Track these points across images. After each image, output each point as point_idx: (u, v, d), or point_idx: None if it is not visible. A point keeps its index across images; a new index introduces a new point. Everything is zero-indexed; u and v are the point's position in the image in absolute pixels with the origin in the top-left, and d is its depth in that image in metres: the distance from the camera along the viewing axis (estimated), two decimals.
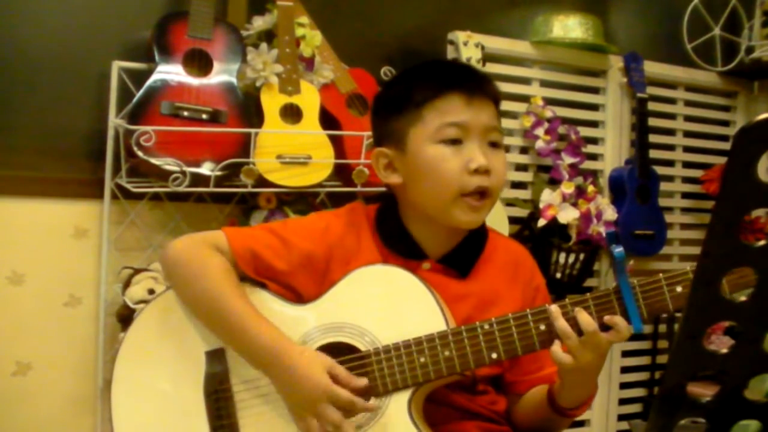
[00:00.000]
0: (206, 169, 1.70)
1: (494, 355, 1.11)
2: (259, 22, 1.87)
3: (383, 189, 1.87)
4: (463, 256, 1.26)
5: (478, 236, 1.28)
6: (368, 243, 1.24)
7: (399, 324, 1.13)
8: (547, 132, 2.20)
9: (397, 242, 1.24)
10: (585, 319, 1.08)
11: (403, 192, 1.25)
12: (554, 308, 1.10)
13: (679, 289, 1.07)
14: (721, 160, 2.56)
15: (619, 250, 1.09)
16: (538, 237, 2.10)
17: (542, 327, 1.10)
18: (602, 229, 2.14)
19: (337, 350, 1.15)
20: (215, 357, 1.17)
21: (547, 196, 2.09)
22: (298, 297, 1.21)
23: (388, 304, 1.15)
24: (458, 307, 1.19)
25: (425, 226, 1.24)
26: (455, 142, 1.19)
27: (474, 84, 1.23)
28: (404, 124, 1.23)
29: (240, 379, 1.16)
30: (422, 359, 1.11)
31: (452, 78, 1.23)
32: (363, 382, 1.10)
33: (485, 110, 1.21)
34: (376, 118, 1.31)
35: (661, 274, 1.09)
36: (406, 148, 1.22)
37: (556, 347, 1.09)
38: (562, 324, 1.09)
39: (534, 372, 1.25)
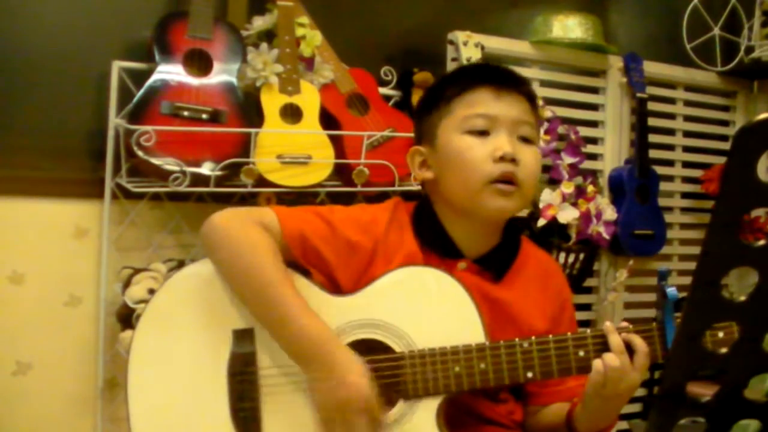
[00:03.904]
0: (206, 169, 1.69)
1: (530, 375, 1.11)
2: (259, 22, 1.87)
3: (382, 189, 1.89)
4: (498, 258, 1.26)
5: (514, 241, 1.29)
6: (409, 240, 1.23)
7: (437, 330, 1.12)
8: (546, 132, 2.20)
9: (434, 240, 1.24)
10: (639, 341, 1.09)
11: (435, 187, 1.26)
12: (609, 324, 1.11)
13: (720, 334, 1.06)
14: (721, 160, 2.55)
15: (671, 289, 1.09)
16: (538, 237, 2.09)
17: (581, 353, 1.10)
18: (602, 229, 2.14)
19: (371, 347, 1.13)
20: (244, 337, 1.13)
21: (547, 195, 2.09)
22: (337, 288, 1.19)
23: (429, 309, 1.14)
24: (489, 309, 1.18)
25: (461, 225, 1.24)
26: (483, 133, 1.20)
27: (503, 79, 1.24)
28: (436, 119, 1.25)
29: (268, 363, 1.13)
30: (457, 369, 1.10)
31: (482, 74, 1.25)
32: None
33: (515, 105, 1.22)
34: (415, 119, 1.34)
35: None
36: (436, 142, 1.24)
37: (599, 364, 1.08)
38: (616, 339, 1.09)
39: (556, 385, 1.25)
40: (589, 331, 1.12)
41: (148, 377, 1.15)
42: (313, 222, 1.21)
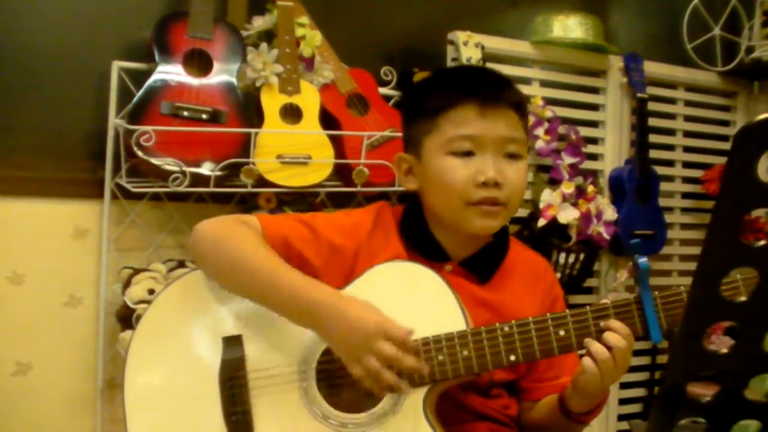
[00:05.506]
0: (206, 169, 1.70)
1: (512, 358, 1.10)
2: (259, 22, 1.87)
3: (382, 189, 1.89)
4: (484, 261, 1.26)
5: (501, 243, 1.28)
6: (394, 243, 1.24)
7: (418, 321, 1.12)
8: (547, 132, 2.20)
9: (421, 244, 1.24)
10: (618, 325, 1.09)
11: (421, 197, 1.26)
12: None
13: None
14: (721, 160, 2.55)
15: (643, 260, 1.09)
16: (538, 237, 2.09)
17: (561, 333, 1.10)
18: (602, 229, 2.14)
19: None
20: (232, 343, 1.16)
21: (547, 196, 2.09)
22: None
23: (409, 301, 1.15)
24: (477, 311, 1.18)
25: (448, 232, 1.24)
26: (467, 154, 1.18)
27: (490, 92, 1.20)
28: (420, 132, 1.23)
29: (255, 367, 1.15)
30: (440, 357, 1.10)
31: (467, 86, 1.22)
32: (409, 329, 1.07)
33: (502, 120, 1.19)
34: (402, 123, 1.32)
35: (682, 287, 1.10)
36: (421, 156, 1.24)
37: (589, 361, 1.08)
38: (598, 347, 1.09)
39: (550, 380, 1.25)
40: (568, 310, 1.12)
41: (145, 392, 1.18)
42: (295, 227, 1.22)
